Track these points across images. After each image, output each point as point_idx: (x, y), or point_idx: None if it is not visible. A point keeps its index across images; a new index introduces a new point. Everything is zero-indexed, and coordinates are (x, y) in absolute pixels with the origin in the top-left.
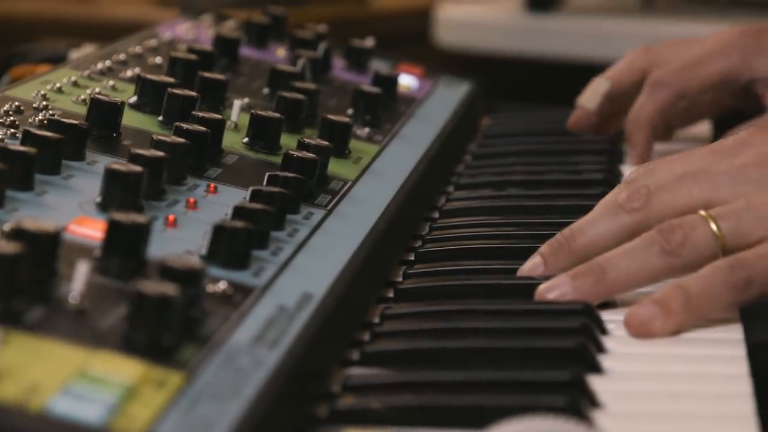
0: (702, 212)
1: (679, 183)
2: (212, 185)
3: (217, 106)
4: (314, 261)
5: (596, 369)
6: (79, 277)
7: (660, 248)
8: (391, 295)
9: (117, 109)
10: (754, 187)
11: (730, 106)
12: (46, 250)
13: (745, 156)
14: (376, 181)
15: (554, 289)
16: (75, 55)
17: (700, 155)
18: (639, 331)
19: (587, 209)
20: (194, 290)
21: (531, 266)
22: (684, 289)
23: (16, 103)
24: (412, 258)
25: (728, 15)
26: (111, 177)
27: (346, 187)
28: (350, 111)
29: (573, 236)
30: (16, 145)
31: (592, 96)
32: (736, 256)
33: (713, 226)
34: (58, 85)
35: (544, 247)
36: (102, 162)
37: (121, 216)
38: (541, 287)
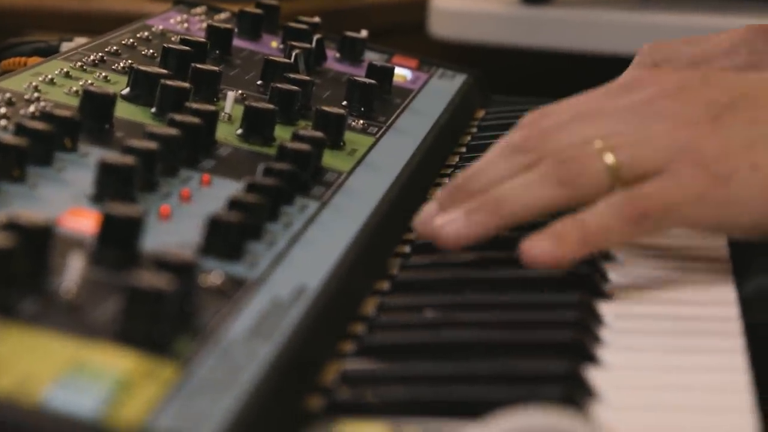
0: (598, 143)
1: (573, 122)
2: (206, 177)
3: (211, 97)
4: (309, 253)
5: (593, 361)
6: (73, 270)
7: (556, 179)
8: (387, 287)
9: (109, 100)
10: (649, 120)
11: None
12: (38, 243)
13: (638, 93)
14: (371, 173)
15: (450, 224)
16: (67, 47)
17: (593, 97)
18: (533, 261)
19: None
20: (188, 283)
21: (427, 213)
22: (580, 223)
23: (8, 95)
24: (408, 250)
25: (728, 7)
26: (104, 169)
27: (340, 179)
28: (344, 102)
29: (469, 179)
30: (8, 137)
31: None
32: (632, 191)
33: (608, 158)
34: (50, 76)
35: (439, 193)
36: (94, 154)
37: (114, 208)
38: (437, 220)
